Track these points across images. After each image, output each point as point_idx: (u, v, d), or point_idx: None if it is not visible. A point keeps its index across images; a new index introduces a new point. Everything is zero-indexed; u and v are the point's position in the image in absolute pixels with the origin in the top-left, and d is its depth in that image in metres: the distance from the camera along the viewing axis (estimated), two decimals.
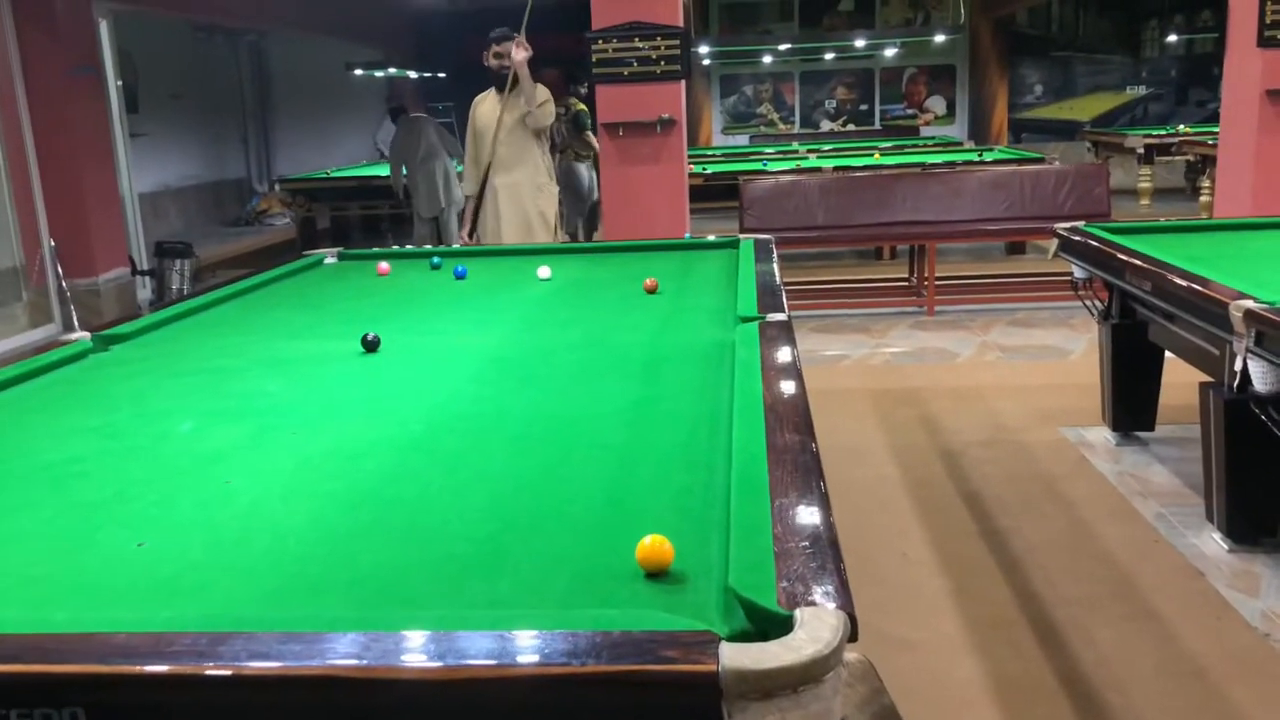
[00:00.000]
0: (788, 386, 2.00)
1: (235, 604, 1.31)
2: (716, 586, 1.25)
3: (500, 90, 5.52)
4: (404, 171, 8.82)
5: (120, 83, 8.79)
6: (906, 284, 7.78)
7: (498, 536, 1.48)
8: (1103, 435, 4.43)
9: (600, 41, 7.44)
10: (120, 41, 8.88)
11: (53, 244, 7.36)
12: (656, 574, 1.30)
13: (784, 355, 2.24)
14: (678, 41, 7.39)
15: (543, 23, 14.71)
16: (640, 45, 7.36)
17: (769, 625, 1.12)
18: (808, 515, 1.39)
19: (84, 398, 2.35)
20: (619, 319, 3.04)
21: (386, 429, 2.03)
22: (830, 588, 1.19)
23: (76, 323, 3.24)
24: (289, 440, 1.97)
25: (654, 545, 1.31)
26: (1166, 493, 3.84)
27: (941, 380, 5.46)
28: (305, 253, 4.45)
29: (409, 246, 4.84)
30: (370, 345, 2.64)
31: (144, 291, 8.32)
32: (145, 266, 8.32)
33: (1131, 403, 4.32)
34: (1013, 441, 4.46)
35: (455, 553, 1.43)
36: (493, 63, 5.53)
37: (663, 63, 7.37)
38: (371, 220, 12.35)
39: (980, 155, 10.36)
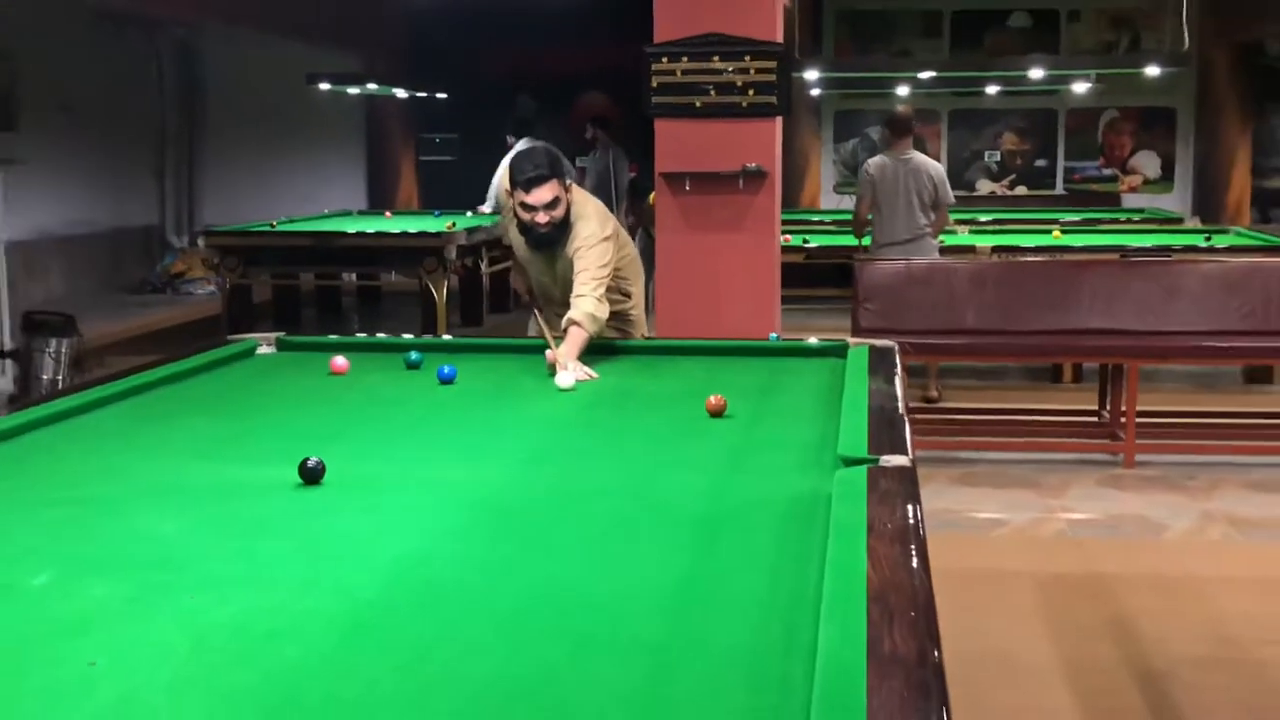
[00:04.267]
0: (904, 566, 2.00)
1: None
2: None
3: (533, 246, 4.71)
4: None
5: None
6: (1095, 420, 7.74)
7: None
8: None
9: (664, 59, 7.62)
10: None
11: None
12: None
13: (901, 519, 2.24)
14: (774, 64, 7.56)
15: (578, 31, 15.13)
16: (721, 67, 7.53)
17: None
18: None
19: None
20: (667, 454, 3.07)
21: (323, 598, 2.05)
22: None
23: None
24: (184, 606, 2.00)
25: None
26: None
27: (1143, 565, 5.39)
28: (231, 337, 4.55)
29: (379, 335, 4.89)
30: (311, 474, 2.68)
31: (2, 380, 8.51)
32: (7, 346, 8.53)
33: None
34: (1249, 661, 4.37)
35: None
36: (522, 215, 4.56)
37: (751, 91, 7.52)
38: (329, 294, 12.60)
39: (1209, 240, 10.37)
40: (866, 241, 8.66)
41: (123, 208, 14.54)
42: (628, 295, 4.79)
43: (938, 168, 8.54)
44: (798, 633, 1.83)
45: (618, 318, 4.70)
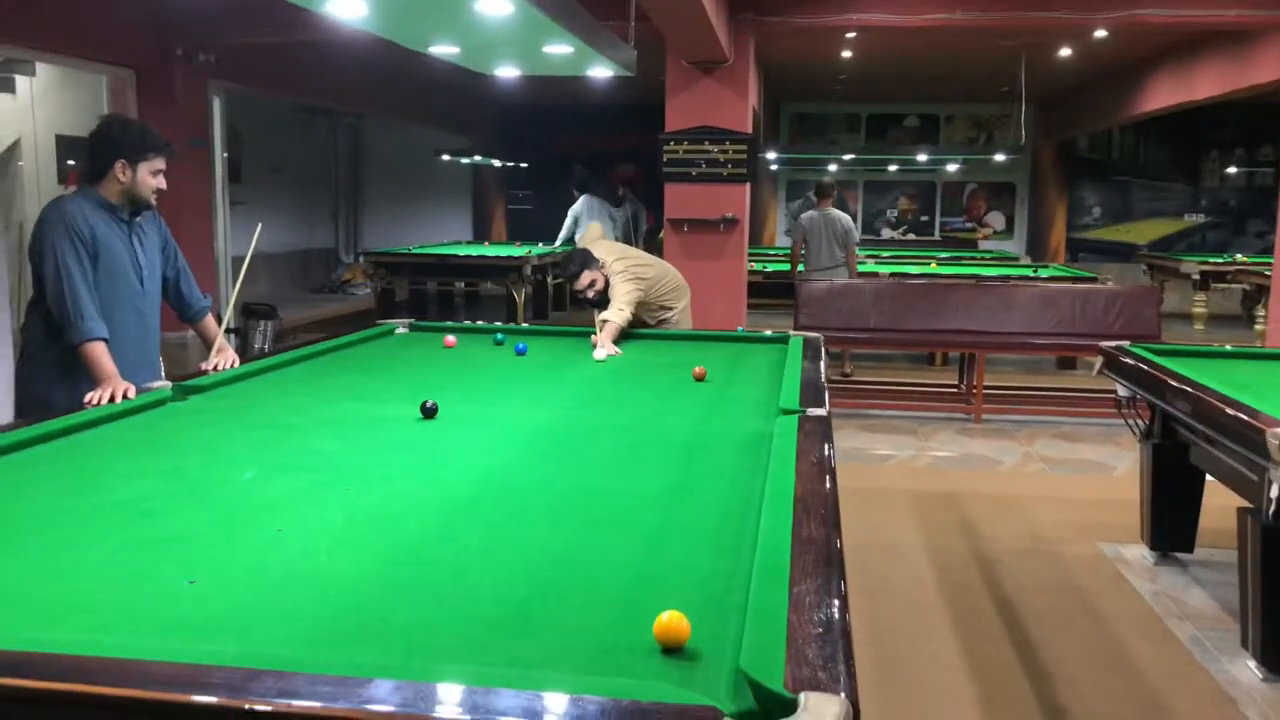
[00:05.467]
0: (819, 480, 2.00)
1: (273, 644, 1.34)
2: (729, 666, 1.26)
3: (591, 306, 4.52)
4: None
5: (226, 155, 9.20)
6: (956, 391, 7.71)
7: (526, 602, 1.50)
8: (1141, 553, 4.31)
9: (672, 143, 7.63)
10: (229, 117, 9.30)
11: None
12: (673, 649, 1.31)
13: (819, 450, 2.24)
14: (745, 147, 7.56)
15: (614, 122, 15.06)
16: (710, 148, 7.53)
17: (774, 706, 1.13)
18: (823, 604, 1.39)
19: (157, 442, 2.44)
20: (666, 403, 3.08)
21: (432, 492, 2.07)
22: (837, 675, 1.18)
23: (164, 373, 3.38)
24: (341, 496, 2.02)
25: (671, 621, 1.32)
26: (1203, 616, 3.72)
27: (983, 487, 5.38)
28: (379, 321, 4.57)
29: (479, 322, 4.92)
30: (429, 412, 2.70)
31: (230, 347, 8.55)
32: (233, 325, 8.59)
33: (1171, 523, 4.21)
34: (1050, 553, 4.36)
35: (484, 614, 1.45)
36: (577, 294, 4.60)
37: (730, 165, 7.52)
38: (446, 296, 12.63)
39: (1035, 271, 10.32)
40: (801, 268, 8.59)
41: (310, 235, 14.59)
42: (671, 309, 4.79)
43: (847, 219, 8.36)
44: (747, 521, 1.84)
45: (664, 323, 4.74)
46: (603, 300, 4.46)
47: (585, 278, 4.48)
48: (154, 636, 1.36)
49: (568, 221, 10.14)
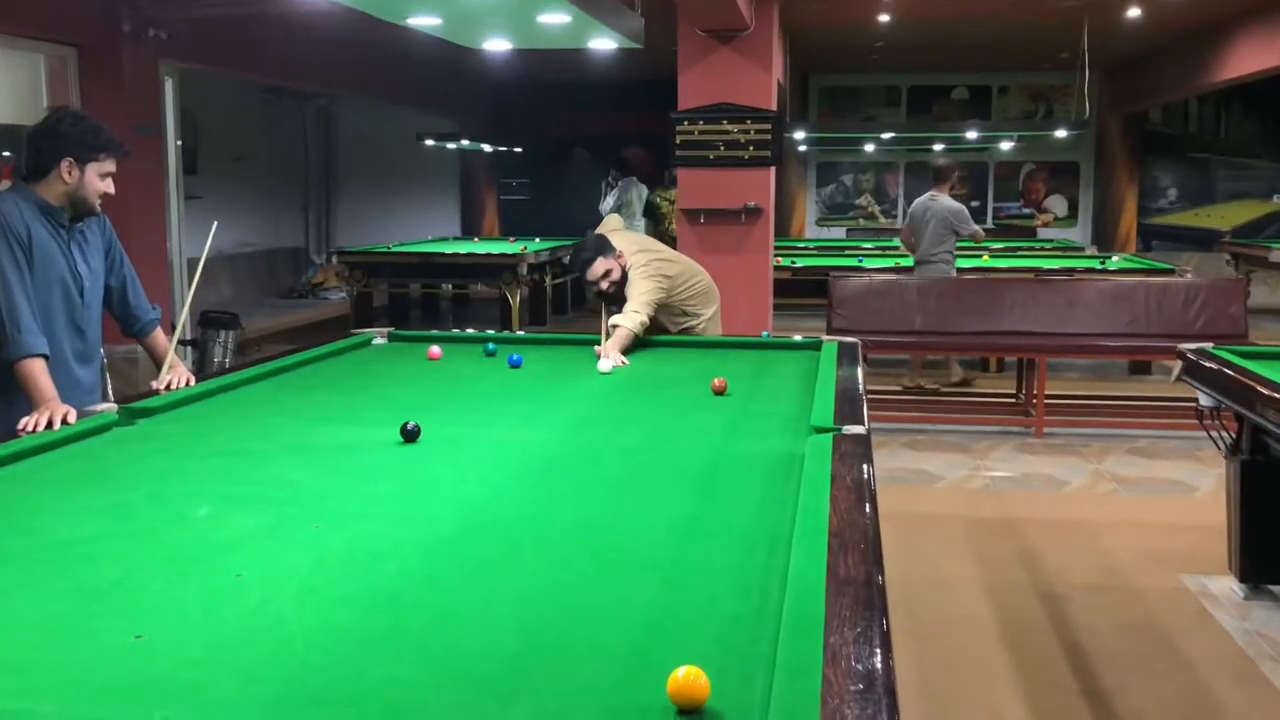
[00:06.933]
0: (858, 509, 1.98)
1: (231, 709, 1.33)
2: None
3: (607, 302, 4.58)
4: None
5: (180, 143, 9.23)
6: (1014, 401, 7.68)
7: (521, 658, 1.48)
8: (1229, 586, 4.27)
9: (685, 123, 7.62)
10: (183, 101, 9.34)
11: None
12: (690, 711, 1.29)
13: (857, 474, 2.22)
14: (769, 126, 7.55)
15: (619, 100, 15.11)
16: (728, 128, 7.52)
17: None
18: (864, 657, 1.37)
19: (100, 474, 2.43)
20: (680, 421, 3.05)
21: (414, 529, 2.05)
22: None
23: (111, 392, 3.39)
24: (309, 534, 2.01)
25: (688, 680, 1.30)
26: None
27: (1047, 511, 5.35)
28: (354, 331, 4.56)
29: (468, 330, 4.91)
30: (409, 435, 2.69)
31: (184, 363, 8.58)
32: (188, 336, 8.61)
33: (1263, 551, 4.17)
34: (1125, 587, 4.33)
35: (473, 672, 1.44)
36: (589, 286, 4.65)
37: (751, 148, 7.51)
38: (431, 300, 12.66)
39: (1103, 263, 10.29)
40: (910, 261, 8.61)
41: (276, 233, 14.65)
42: (697, 316, 4.76)
43: (956, 205, 8.23)
44: (775, 558, 1.82)
45: (688, 331, 4.71)
46: (618, 296, 4.43)
47: (599, 266, 4.44)
48: (97, 702, 1.35)
49: (612, 200, 11.03)
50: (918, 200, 8.48)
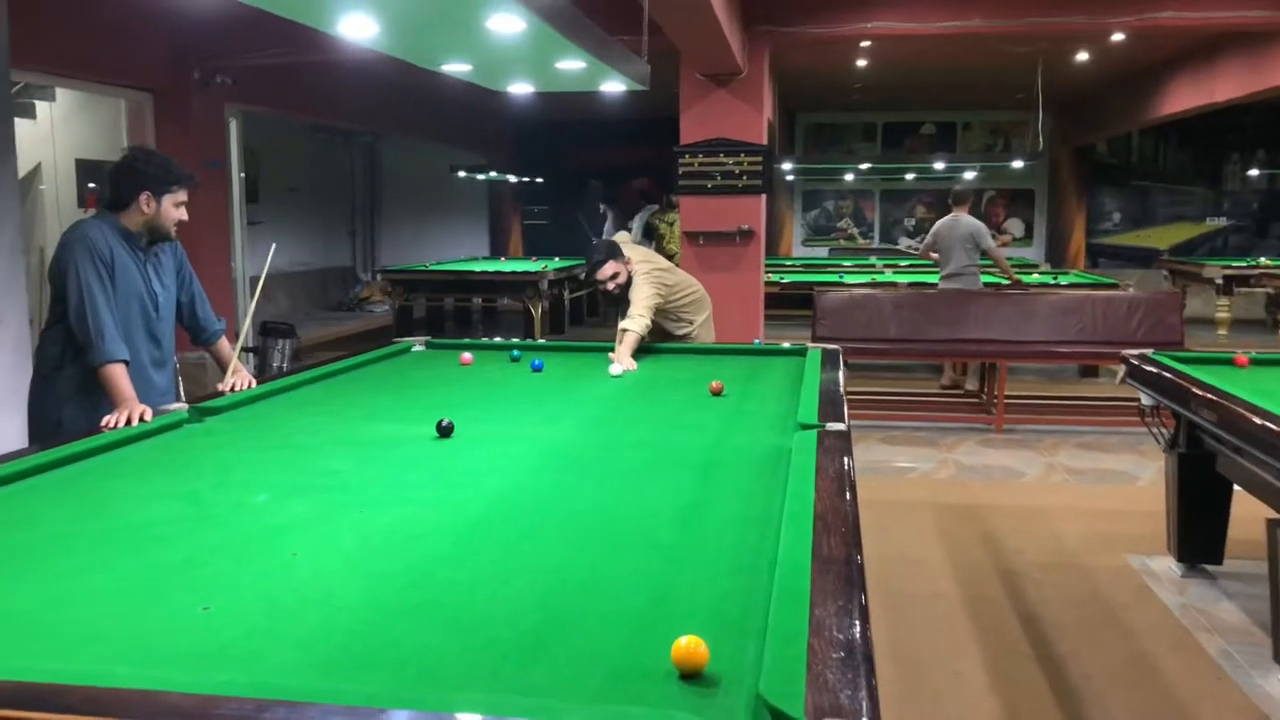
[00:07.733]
0: (839, 497, 1.97)
1: (285, 673, 1.33)
2: (747, 692, 1.23)
3: (614, 301, 4.78)
4: None
5: (243, 175, 9.25)
6: (977, 400, 7.65)
7: (540, 627, 1.48)
8: (1168, 565, 4.25)
9: (687, 156, 7.61)
10: (245, 138, 9.36)
11: None
12: (690, 675, 1.29)
13: (839, 465, 2.22)
14: (760, 158, 7.53)
15: (628, 136, 15.11)
16: (725, 160, 7.52)
17: None
18: (845, 628, 1.36)
19: (172, 465, 2.43)
20: (683, 419, 3.05)
21: (446, 514, 2.05)
22: (859, 701, 1.16)
23: (182, 393, 3.39)
24: (354, 518, 2.01)
25: (689, 646, 1.29)
26: (1233, 629, 3.65)
27: (1006, 499, 5.32)
28: (395, 339, 4.56)
29: (495, 339, 4.90)
30: (444, 431, 2.69)
31: (246, 367, 8.58)
32: (250, 344, 8.62)
33: (1198, 534, 4.15)
34: (1075, 565, 4.31)
35: (498, 639, 1.43)
36: (599, 287, 4.69)
37: (745, 177, 7.50)
38: (463, 312, 12.66)
39: (1055, 278, 10.24)
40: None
41: (327, 253, 14.67)
42: (690, 322, 4.77)
43: (977, 224, 8.07)
44: (765, 541, 1.81)
45: (683, 338, 4.73)
46: (623, 296, 4.48)
47: (609, 268, 4.49)
48: (166, 666, 1.34)
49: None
50: (941, 221, 8.28)
